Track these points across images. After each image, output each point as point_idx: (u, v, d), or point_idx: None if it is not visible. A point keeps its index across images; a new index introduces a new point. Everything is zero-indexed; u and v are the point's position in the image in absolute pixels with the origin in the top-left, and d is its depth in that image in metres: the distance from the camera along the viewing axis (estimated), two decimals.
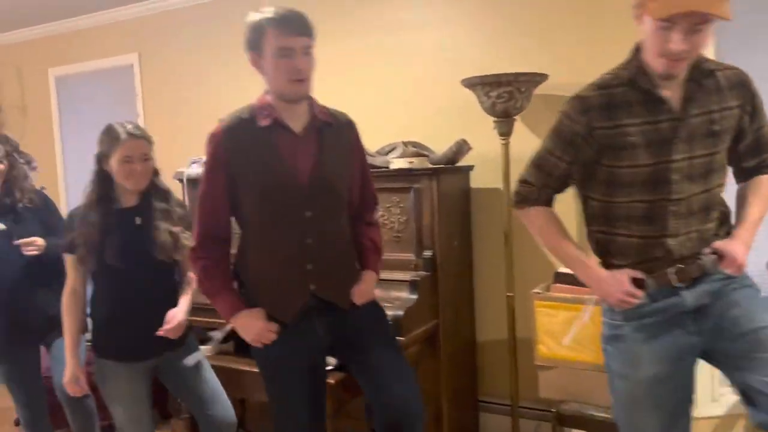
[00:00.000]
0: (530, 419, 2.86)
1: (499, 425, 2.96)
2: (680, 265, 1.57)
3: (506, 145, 2.69)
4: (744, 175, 1.67)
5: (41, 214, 2.44)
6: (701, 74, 1.54)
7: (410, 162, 2.65)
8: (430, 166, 2.66)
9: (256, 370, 1.95)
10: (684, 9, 1.39)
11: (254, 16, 1.75)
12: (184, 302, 2.11)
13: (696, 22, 1.41)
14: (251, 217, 1.83)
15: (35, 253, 2.32)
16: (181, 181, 3.37)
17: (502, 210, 2.77)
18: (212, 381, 2.20)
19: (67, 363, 2.08)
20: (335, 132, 1.87)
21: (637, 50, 1.57)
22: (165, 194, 2.14)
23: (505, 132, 2.68)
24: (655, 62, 1.51)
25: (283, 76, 1.73)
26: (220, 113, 4.16)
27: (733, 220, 1.66)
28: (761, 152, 1.63)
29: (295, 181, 1.78)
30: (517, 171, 2.69)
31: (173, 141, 3.84)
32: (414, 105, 3.08)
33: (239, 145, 1.78)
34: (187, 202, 3.37)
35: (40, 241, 2.34)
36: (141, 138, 2.04)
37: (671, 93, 1.54)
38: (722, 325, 1.58)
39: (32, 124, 4.48)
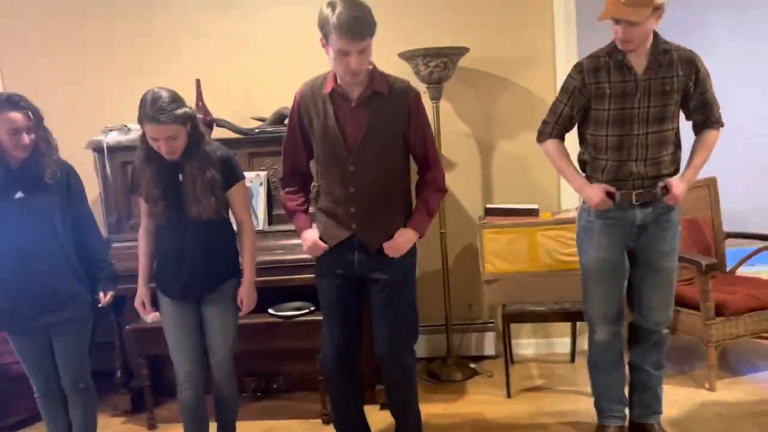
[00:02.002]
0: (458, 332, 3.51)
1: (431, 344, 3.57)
2: (640, 190, 2.33)
3: (437, 107, 3.26)
4: (696, 128, 2.40)
5: (62, 188, 2.31)
6: (659, 51, 2.28)
7: None
8: None
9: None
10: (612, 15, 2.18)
11: (325, 12, 2.01)
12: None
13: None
14: (318, 164, 2.31)
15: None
16: (98, 150, 3.18)
17: None
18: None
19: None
20: (387, 101, 2.18)
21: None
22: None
23: (437, 97, 3.24)
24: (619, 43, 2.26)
25: (340, 71, 2.11)
26: (112, 82, 3.91)
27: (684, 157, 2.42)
28: (705, 111, 2.35)
29: (342, 142, 2.19)
30: (447, 130, 3.33)
31: (65, 113, 3.51)
32: None
33: (308, 106, 2.23)
34: (108, 172, 3.21)
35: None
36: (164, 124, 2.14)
37: (638, 62, 2.28)
38: (646, 248, 2.38)
39: None
